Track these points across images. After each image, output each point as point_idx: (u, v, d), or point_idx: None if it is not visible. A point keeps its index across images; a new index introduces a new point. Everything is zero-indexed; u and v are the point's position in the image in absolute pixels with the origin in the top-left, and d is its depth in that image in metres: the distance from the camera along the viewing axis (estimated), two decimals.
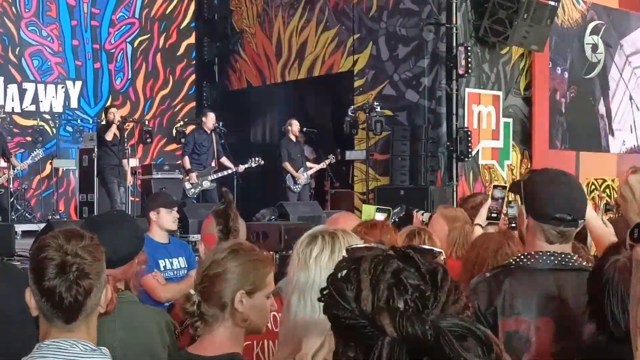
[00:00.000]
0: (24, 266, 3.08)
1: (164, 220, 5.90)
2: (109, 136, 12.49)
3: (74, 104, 16.56)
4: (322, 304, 1.28)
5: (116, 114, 12.77)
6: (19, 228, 11.37)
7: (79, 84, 16.66)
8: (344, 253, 1.37)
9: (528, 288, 2.76)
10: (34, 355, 2.27)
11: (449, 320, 1.19)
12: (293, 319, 2.35)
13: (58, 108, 16.26)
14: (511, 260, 2.90)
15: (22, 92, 15.93)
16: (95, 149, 13.24)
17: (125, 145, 13.14)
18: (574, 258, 2.81)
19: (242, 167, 12.96)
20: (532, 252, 2.81)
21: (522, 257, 2.84)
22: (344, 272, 1.29)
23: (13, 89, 15.82)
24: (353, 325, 1.22)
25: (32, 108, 16.04)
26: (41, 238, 2.34)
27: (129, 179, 12.80)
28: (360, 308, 1.23)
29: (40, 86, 16.19)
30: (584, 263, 2.83)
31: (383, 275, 1.25)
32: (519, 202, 3.09)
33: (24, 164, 12.70)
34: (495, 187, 4.39)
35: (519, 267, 2.81)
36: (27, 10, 16.09)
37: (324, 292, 1.28)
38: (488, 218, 4.35)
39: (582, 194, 2.92)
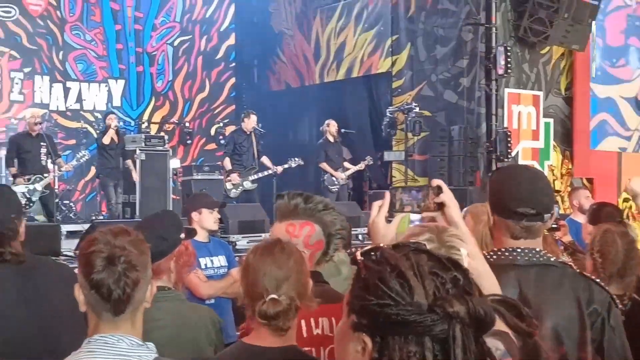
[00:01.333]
0: (70, 265, 3.17)
1: (206, 220, 5.99)
2: (106, 140, 13.08)
3: (116, 102, 16.78)
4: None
5: (114, 120, 13.39)
6: (64, 228, 11.52)
7: (121, 82, 16.89)
8: (359, 257, 1.41)
9: None
10: (82, 350, 2.33)
11: (495, 299, 1.31)
12: None
13: (101, 106, 16.49)
14: None
15: (66, 91, 16.19)
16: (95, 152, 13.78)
17: (164, 145, 13.64)
18: (540, 253, 2.73)
19: (280, 168, 13.02)
20: (497, 249, 2.76)
21: (486, 255, 2.72)
22: (379, 273, 1.34)
23: (58, 88, 16.09)
24: (411, 320, 1.28)
25: (77, 106, 16.29)
26: (90, 234, 2.42)
27: (134, 177, 13.38)
28: (415, 302, 1.28)
29: (84, 85, 16.44)
30: (552, 258, 2.76)
31: (422, 269, 1.31)
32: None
33: (69, 165, 12.90)
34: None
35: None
36: (71, 14, 16.32)
37: (368, 296, 1.32)
38: None
39: (547, 187, 2.84)
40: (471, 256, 1.86)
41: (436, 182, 2.35)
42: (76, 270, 2.44)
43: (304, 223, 3.04)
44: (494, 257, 2.73)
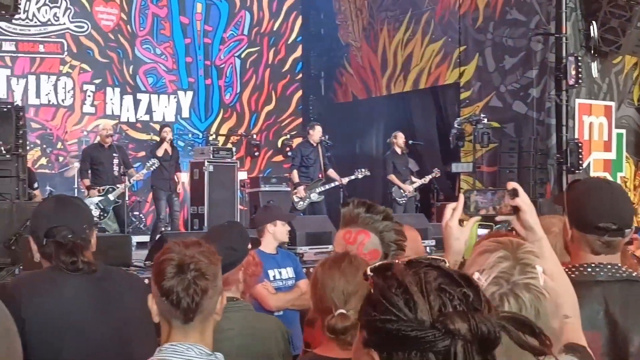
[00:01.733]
0: (141, 275, 3.21)
1: (280, 232, 6.05)
2: (159, 152, 13.06)
3: (185, 114, 17.01)
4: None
5: (169, 133, 13.41)
6: (134, 239, 11.70)
7: (190, 94, 17.13)
8: (369, 272, 1.40)
9: None
10: (153, 358, 2.38)
11: (505, 316, 1.28)
12: None
13: (170, 117, 16.74)
14: None
15: (136, 103, 16.51)
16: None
17: (232, 157, 13.77)
18: (622, 269, 2.67)
19: (345, 180, 13.02)
20: (577, 265, 2.70)
21: (566, 270, 2.64)
22: (384, 289, 1.33)
23: (128, 100, 16.39)
24: (412, 336, 1.27)
25: (146, 118, 16.57)
26: (163, 244, 2.47)
27: (179, 188, 13.53)
28: (417, 318, 1.27)
29: (154, 97, 16.74)
30: (634, 274, 2.69)
31: (429, 285, 1.30)
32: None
33: (140, 174, 13.09)
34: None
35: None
36: (141, 28, 16.62)
37: (373, 312, 1.33)
38: None
39: (627, 201, 2.78)
40: (549, 274, 1.82)
41: (512, 184, 2.31)
42: (146, 281, 2.49)
43: (360, 231, 3.03)
44: (576, 272, 2.68)
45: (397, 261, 1.39)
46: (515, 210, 2.29)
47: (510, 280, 1.76)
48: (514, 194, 2.29)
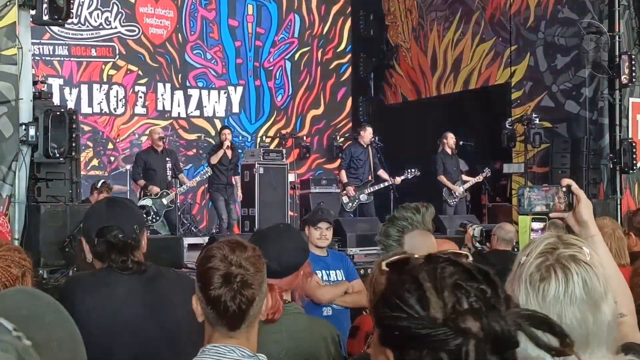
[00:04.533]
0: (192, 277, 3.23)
1: (311, 235, 5.97)
2: (213, 160, 12.99)
3: (235, 109, 17.09)
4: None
5: (228, 137, 13.20)
6: (186, 241, 11.80)
7: (240, 89, 17.19)
8: (384, 267, 1.38)
9: None
10: (197, 358, 2.40)
11: (523, 314, 1.24)
12: None
13: (221, 113, 16.84)
14: None
15: (187, 99, 16.61)
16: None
17: (283, 159, 13.76)
18: None
19: (399, 179, 12.97)
20: None
21: None
22: (397, 285, 1.32)
23: (178, 94, 16.54)
24: (424, 334, 1.25)
25: (197, 113, 16.68)
26: (207, 248, 2.49)
27: (238, 194, 13.50)
28: (430, 315, 1.25)
29: (204, 92, 16.84)
30: None
31: (444, 281, 1.28)
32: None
33: (193, 182, 13.14)
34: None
35: None
36: (192, 32, 16.74)
37: (384, 309, 1.31)
38: None
39: None
40: (595, 258, 1.80)
41: (566, 181, 2.31)
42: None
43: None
44: None
45: (416, 256, 1.37)
46: (570, 207, 2.28)
47: (555, 253, 1.76)
48: (569, 190, 2.28)
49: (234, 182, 13.37)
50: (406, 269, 1.33)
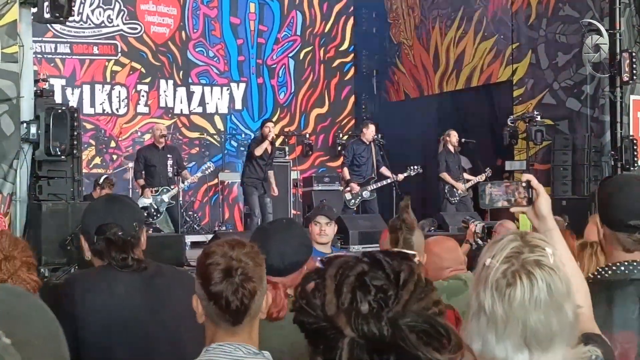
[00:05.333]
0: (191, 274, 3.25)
1: (312, 232, 5.96)
2: (258, 152, 12.45)
3: (238, 105, 17.08)
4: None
5: (272, 129, 12.73)
6: (188, 239, 11.81)
7: (242, 86, 17.17)
8: (318, 263, 1.40)
9: (605, 302, 2.59)
10: (201, 358, 2.41)
11: (408, 316, 1.24)
12: None
13: (223, 109, 16.85)
14: (590, 275, 2.75)
15: (189, 95, 16.56)
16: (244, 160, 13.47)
17: (285, 156, 13.66)
18: None
19: (401, 176, 12.97)
20: (610, 264, 2.67)
21: (601, 270, 2.69)
22: (308, 279, 1.35)
23: (181, 91, 16.53)
24: (318, 330, 1.28)
25: (199, 110, 16.67)
26: (207, 246, 2.52)
27: (274, 190, 12.87)
28: (324, 312, 1.28)
29: (207, 88, 16.80)
30: None
31: (347, 278, 1.30)
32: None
33: (195, 177, 13.10)
34: None
35: (597, 281, 2.65)
36: (195, 30, 16.73)
37: (295, 303, 1.35)
38: None
39: None
40: (560, 261, 1.85)
41: (526, 176, 2.37)
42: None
43: None
44: (609, 272, 2.67)
45: (348, 254, 1.40)
46: (530, 202, 2.34)
47: (520, 258, 1.79)
48: (528, 185, 2.34)
49: (270, 179, 12.85)
50: (326, 266, 1.36)
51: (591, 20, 12.59)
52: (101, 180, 12.46)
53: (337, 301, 1.28)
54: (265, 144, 12.51)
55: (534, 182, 2.35)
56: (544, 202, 2.34)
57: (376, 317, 1.24)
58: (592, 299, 2.43)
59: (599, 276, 2.70)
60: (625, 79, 12.17)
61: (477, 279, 1.85)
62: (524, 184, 2.35)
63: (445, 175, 13.40)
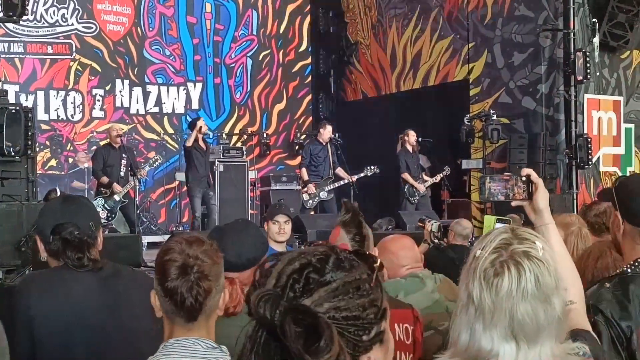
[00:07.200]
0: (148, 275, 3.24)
1: (270, 230, 6.02)
2: (189, 142, 12.83)
3: (195, 105, 16.98)
4: None
5: (201, 121, 13.19)
6: (145, 240, 11.74)
7: (199, 86, 17.08)
8: None
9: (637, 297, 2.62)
10: (159, 353, 2.40)
11: (299, 309, 1.29)
12: None
13: (180, 109, 16.73)
14: (625, 268, 2.76)
15: (145, 95, 16.45)
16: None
17: (243, 156, 13.69)
18: None
19: (354, 178, 13.00)
20: (632, 260, 2.71)
21: (636, 264, 2.72)
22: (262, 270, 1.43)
23: (137, 91, 16.40)
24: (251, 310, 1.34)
25: (156, 110, 16.54)
26: (165, 242, 2.51)
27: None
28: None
29: (163, 88, 16.70)
30: None
31: (291, 265, 1.37)
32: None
33: (144, 171, 13.01)
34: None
35: (637, 274, 2.70)
36: (150, 29, 16.61)
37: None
38: None
39: None
40: (555, 257, 1.85)
41: (526, 171, 2.38)
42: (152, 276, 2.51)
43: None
44: (632, 268, 2.71)
45: (311, 248, 1.46)
46: (529, 196, 2.35)
47: (509, 249, 1.80)
48: (528, 179, 2.35)
49: (211, 176, 13.29)
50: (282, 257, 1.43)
51: (548, 26, 12.75)
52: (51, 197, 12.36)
53: (275, 282, 1.35)
54: (194, 134, 12.81)
55: (534, 176, 2.37)
56: (542, 196, 2.36)
57: (275, 303, 1.29)
58: (625, 294, 2.48)
59: (629, 271, 2.72)
60: (580, 78, 12.33)
61: (467, 271, 1.85)
62: (523, 178, 2.36)
63: (406, 176, 13.44)
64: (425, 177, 13.85)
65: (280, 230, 6.04)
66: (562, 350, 1.81)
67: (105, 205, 12.03)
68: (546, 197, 2.37)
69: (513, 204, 2.41)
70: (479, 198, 2.19)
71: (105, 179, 12.26)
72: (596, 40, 12.57)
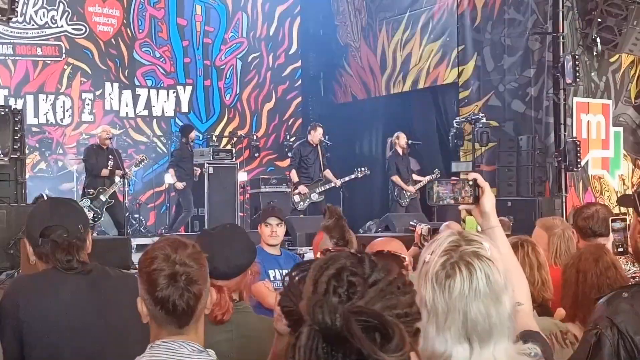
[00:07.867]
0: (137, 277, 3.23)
1: (263, 233, 5.91)
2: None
3: (184, 108, 16.96)
4: None
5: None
6: (134, 242, 11.71)
7: (189, 89, 17.05)
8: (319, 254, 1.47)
9: None
10: (145, 355, 2.41)
11: (365, 313, 1.28)
12: None
13: (170, 112, 16.71)
14: None
15: (135, 98, 16.37)
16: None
17: (232, 159, 13.77)
18: None
19: (339, 182, 13.01)
20: None
21: None
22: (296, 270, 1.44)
23: (127, 94, 16.34)
24: (291, 314, 1.35)
25: (145, 113, 16.51)
26: (148, 250, 2.49)
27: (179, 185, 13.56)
28: (300, 299, 1.35)
29: (153, 91, 16.63)
30: None
31: (327, 270, 1.36)
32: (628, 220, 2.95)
33: (130, 171, 13.01)
34: (613, 220, 4.20)
35: None
36: (140, 31, 16.56)
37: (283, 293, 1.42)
38: (615, 253, 4.16)
39: None
40: (499, 257, 1.88)
41: (473, 175, 2.42)
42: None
43: None
44: None
45: (335, 249, 1.45)
46: (476, 200, 2.39)
47: (458, 250, 1.83)
48: (475, 183, 2.39)
49: (195, 174, 13.77)
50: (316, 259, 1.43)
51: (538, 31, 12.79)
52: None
53: (313, 290, 1.33)
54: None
55: (480, 180, 2.40)
56: (488, 199, 2.39)
57: (332, 307, 1.28)
58: None
59: None
60: (569, 81, 12.37)
61: (418, 276, 1.87)
62: (470, 182, 2.40)
63: (396, 179, 13.46)
64: (417, 178, 13.86)
65: (272, 233, 5.89)
66: (514, 351, 1.84)
67: (92, 205, 12.05)
68: (492, 200, 2.40)
69: (460, 207, 2.45)
70: (427, 203, 2.22)
71: (106, 171, 12.34)
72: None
